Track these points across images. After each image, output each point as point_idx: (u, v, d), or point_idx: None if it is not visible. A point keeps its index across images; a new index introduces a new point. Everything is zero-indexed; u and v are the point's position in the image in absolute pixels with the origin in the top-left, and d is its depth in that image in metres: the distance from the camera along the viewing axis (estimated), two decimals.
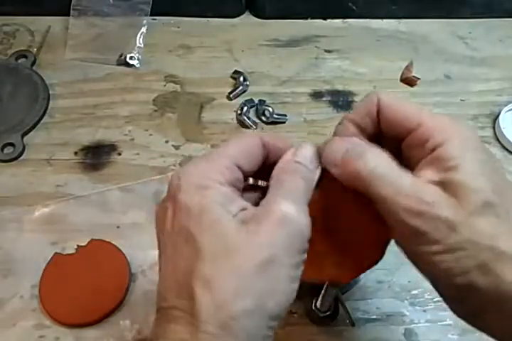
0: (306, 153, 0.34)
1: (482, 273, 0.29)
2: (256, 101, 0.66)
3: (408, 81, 0.68)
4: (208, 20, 0.74)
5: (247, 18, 0.74)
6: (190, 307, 0.28)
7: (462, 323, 0.52)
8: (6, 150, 0.62)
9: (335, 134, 0.37)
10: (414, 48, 0.72)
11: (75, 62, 0.70)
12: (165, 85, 0.68)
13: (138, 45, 0.70)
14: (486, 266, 0.29)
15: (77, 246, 0.54)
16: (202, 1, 0.72)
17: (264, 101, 0.66)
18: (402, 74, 0.69)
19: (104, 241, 0.54)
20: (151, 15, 0.71)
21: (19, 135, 0.63)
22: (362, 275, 0.53)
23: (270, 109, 0.64)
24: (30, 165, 0.62)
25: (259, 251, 0.28)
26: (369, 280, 0.54)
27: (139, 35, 0.70)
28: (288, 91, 0.67)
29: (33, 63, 0.69)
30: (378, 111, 0.35)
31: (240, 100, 0.66)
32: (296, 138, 0.63)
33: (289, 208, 0.30)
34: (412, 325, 0.52)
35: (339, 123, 0.37)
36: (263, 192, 0.33)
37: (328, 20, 0.74)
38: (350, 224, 0.35)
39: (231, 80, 0.68)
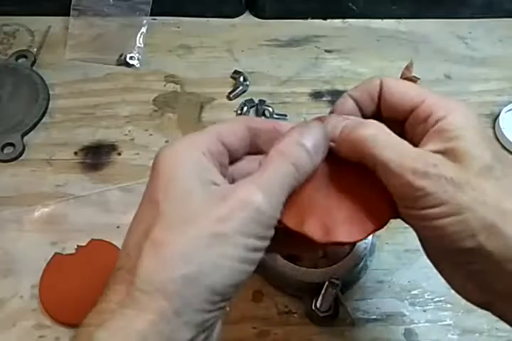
0: (315, 135, 0.33)
1: (490, 234, 0.29)
2: (256, 101, 0.66)
3: (408, 81, 0.68)
4: (208, 20, 0.74)
5: (247, 18, 0.74)
6: (134, 266, 0.28)
7: (462, 323, 0.52)
8: (6, 150, 0.62)
9: (334, 108, 0.37)
10: (414, 48, 0.72)
11: (75, 62, 0.69)
12: (165, 85, 0.68)
13: (138, 45, 0.70)
14: (494, 226, 0.29)
15: (77, 246, 0.54)
16: (202, 1, 0.72)
17: (264, 101, 0.66)
18: (402, 74, 0.68)
19: (104, 241, 0.54)
20: (151, 15, 0.71)
21: (19, 135, 0.63)
22: (362, 275, 0.53)
23: (270, 109, 0.64)
24: (30, 165, 0.62)
25: (212, 224, 0.28)
26: (369, 280, 0.54)
27: (139, 35, 0.70)
28: (288, 91, 0.67)
29: (33, 63, 0.69)
30: (380, 94, 0.35)
31: (240, 100, 0.66)
32: None
33: (257, 197, 0.29)
34: (412, 325, 0.52)
35: (340, 98, 0.37)
36: None
37: (328, 20, 0.74)
38: (359, 185, 0.35)
39: (231, 80, 0.68)
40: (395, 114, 0.35)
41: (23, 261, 0.54)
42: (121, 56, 0.69)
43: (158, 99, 0.67)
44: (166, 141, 0.63)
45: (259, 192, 0.29)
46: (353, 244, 0.34)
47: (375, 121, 0.33)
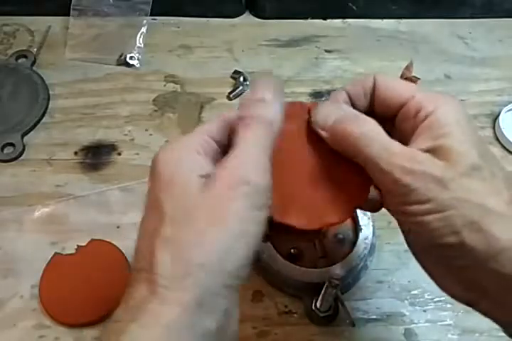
0: (266, 87, 0.33)
1: (473, 231, 0.30)
2: None
3: (408, 81, 0.68)
4: (208, 20, 0.74)
5: (247, 18, 0.74)
6: (150, 265, 0.29)
7: (462, 323, 0.52)
8: (6, 150, 0.62)
9: (328, 99, 0.38)
10: (414, 48, 0.72)
11: (75, 62, 0.70)
12: (165, 85, 0.68)
13: (138, 45, 0.70)
14: (477, 223, 0.30)
15: (77, 246, 0.54)
16: (202, 1, 0.72)
17: None
18: (402, 74, 0.69)
19: (104, 241, 0.54)
20: (151, 15, 0.71)
21: (19, 135, 0.63)
22: (362, 275, 0.53)
23: None
24: (30, 165, 0.62)
25: (212, 210, 0.29)
26: (369, 280, 0.54)
27: (139, 35, 0.70)
28: (288, 91, 0.67)
29: (33, 63, 0.69)
30: (373, 90, 0.36)
31: (240, 100, 0.66)
32: None
33: (248, 169, 0.30)
34: (412, 325, 0.52)
35: (336, 90, 0.38)
36: None
37: (328, 20, 0.74)
38: (336, 167, 0.35)
39: (231, 80, 0.68)
40: (386, 110, 0.36)
41: (23, 261, 0.54)
42: (121, 56, 0.69)
43: (158, 99, 0.67)
44: (166, 141, 0.63)
45: (250, 166, 0.30)
46: (338, 223, 0.34)
47: (368, 118, 0.34)
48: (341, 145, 0.34)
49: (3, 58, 0.69)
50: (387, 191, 0.33)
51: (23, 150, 0.62)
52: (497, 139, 0.64)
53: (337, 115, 0.35)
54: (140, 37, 0.70)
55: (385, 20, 0.74)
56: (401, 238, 0.56)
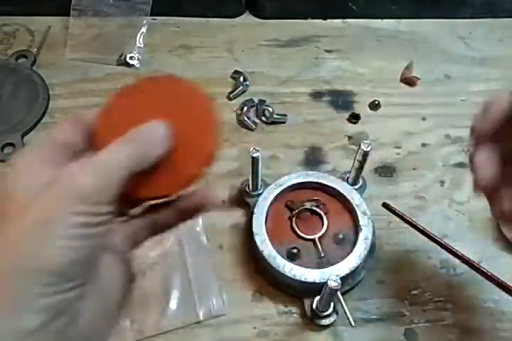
0: (155, 131, 0.34)
1: None
2: (256, 101, 0.66)
3: (408, 81, 0.68)
4: (208, 20, 0.74)
5: (247, 18, 0.74)
6: None
7: (462, 323, 0.52)
8: (6, 150, 0.62)
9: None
10: (414, 48, 0.72)
11: (75, 62, 0.69)
12: None
13: (138, 45, 0.70)
14: None
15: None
16: (202, 1, 0.72)
17: (264, 101, 0.66)
18: (402, 74, 0.69)
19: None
20: (151, 15, 0.71)
21: (19, 135, 0.63)
22: (362, 275, 0.53)
23: (270, 109, 0.64)
24: None
25: (37, 211, 0.29)
26: (369, 280, 0.54)
27: (139, 35, 0.70)
28: (288, 91, 0.67)
29: (33, 63, 0.69)
30: None
31: (240, 100, 0.66)
32: (296, 139, 0.63)
33: (81, 177, 0.30)
34: (412, 325, 0.52)
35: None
36: None
37: (328, 20, 0.74)
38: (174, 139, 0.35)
39: (231, 80, 0.68)
40: None
41: None
42: (121, 56, 0.69)
43: None
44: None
45: (80, 171, 0.30)
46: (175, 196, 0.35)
47: None
48: None
49: (3, 58, 0.69)
50: None
51: None
52: None
53: None
54: (140, 37, 0.70)
55: (385, 20, 0.74)
56: (401, 238, 0.57)
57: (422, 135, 0.64)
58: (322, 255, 0.53)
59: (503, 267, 0.53)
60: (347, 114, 0.65)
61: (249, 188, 0.57)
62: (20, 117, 0.64)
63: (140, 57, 0.69)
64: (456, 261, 0.49)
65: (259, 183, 0.56)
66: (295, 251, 0.52)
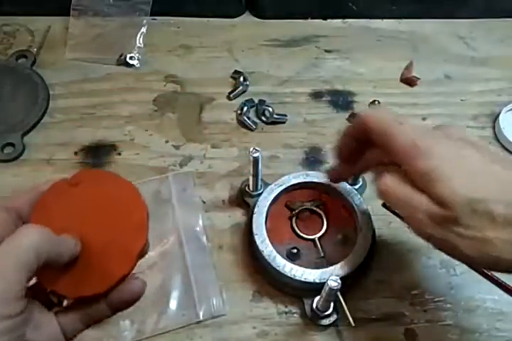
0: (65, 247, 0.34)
1: None
2: (256, 101, 0.66)
3: (408, 81, 0.68)
4: (208, 20, 0.74)
5: (247, 18, 0.74)
6: None
7: (462, 323, 0.52)
8: (6, 150, 0.62)
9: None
10: (414, 48, 0.72)
11: (75, 62, 0.69)
12: (165, 85, 0.68)
13: (138, 45, 0.70)
14: None
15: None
16: (202, 1, 0.72)
17: (264, 101, 0.66)
18: (402, 74, 0.69)
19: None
20: (151, 15, 0.71)
21: (19, 135, 0.63)
22: (362, 275, 0.53)
23: (270, 109, 0.64)
24: (30, 165, 0.62)
25: None
26: (369, 280, 0.54)
27: (139, 35, 0.70)
28: (288, 91, 0.67)
29: (33, 63, 0.69)
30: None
31: (240, 100, 0.66)
32: (296, 139, 0.63)
33: None
34: (412, 325, 0.52)
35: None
36: None
37: (328, 20, 0.74)
38: (101, 238, 0.36)
39: (231, 80, 0.68)
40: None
41: None
42: (121, 56, 0.69)
43: (158, 99, 0.67)
44: (166, 141, 0.63)
45: None
46: (104, 294, 0.36)
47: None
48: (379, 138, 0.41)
49: (3, 58, 0.69)
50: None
51: (23, 150, 0.62)
52: (497, 139, 0.64)
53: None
54: (140, 37, 0.70)
55: (385, 20, 0.74)
56: (401, 238, 0.57)
57: None
58: (322, 255, 0.53)
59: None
60: (347, 114, 0.65)
61: (249, 188, 0.57)
62: (20, 117, 0.64)
63: (140, 57, 0.69)
64: (456, 261, 0.49)
65: (259, 183, 0.56)
66: (295, 251, 0.52)
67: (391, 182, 0.40)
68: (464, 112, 0.66)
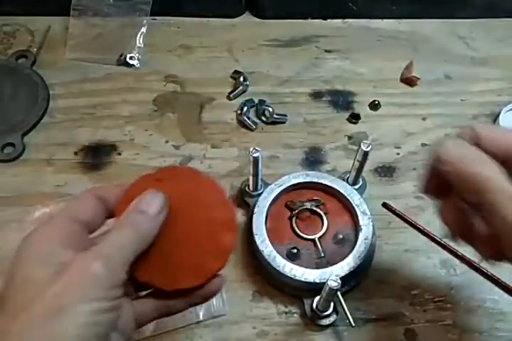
0: (152, 200, 0.35)
1: None
2: (256, 101, 0.66)
3: (408, 81, 0.68)
4: (208, 20, 0.74)
5: (247, 18, 0.74)
6: None
7: (462, 323, 0.52)
8: (6, 150, 0.62)
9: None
10: (414, 48, 0.72)
11: (75, 62, 0.69)
12: (165, 85, 0.68)
13: (138, 45, 0.70)
14: None
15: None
16: (202, 1, 0.72)
17: (264, 101, 0.66)
18: (402, 74, 0.69)
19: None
20: (151, 15, 0.71)
21: (19, 135, 0.63)
22: (362, 275, 0.53)
23: (270, 109, 0.64)
24: (30, 165, 0.62)
25: (49, 302, 0.29)
26: (369, 280, 0.54)
27: (139, 35, 0.70)
28: (288, 91, 0.67)
29: (33, 63, 0.69)
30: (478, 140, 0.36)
31: (240, 100, 0.66)
32: (296, 139, 0.63)
33: (93, 264, 0.31)
34: (412, 325, 0.52)
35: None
36: None
37: (328, 20, 0.74)
38: (191, 232, 0.37)
39: (231, 80, 0.68)
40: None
41: None
42: (121, 56, 0.69)
43: (158, 99, 0.67)
44: (166, 141, 0.63)
45: (95, 260, 0.31)
46: (199, 287, 0.37)
47: (492, 163, 0.35)
48: (463, 185, 0.35)
49: (3, 58, 0.69)
50: (504, 234, 0.34)
51: (23, 150, 0.62)
52: None
53: (463, 153, 0.36)
54: (140, 37, 0.70)
55: (385, 20, 0.74)
56: (401, 238, 0.57)
57: (422, 135, 0.64)
58: (322, 255, 0.53)
59: (503, 267, 0.53)
60: (347, 114, 0.65)
61: (249, 188, 0.57)
62: (20, 117, 0.64)
63: (140, 57, 0.69)
64: (456, 261, 0.49)
65: (259, 183, 0.56)
66: (295, 251, 0.52)
67: None
68: (464, 112, 0.66)
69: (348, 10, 0.73)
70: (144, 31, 0.70)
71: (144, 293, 0.38)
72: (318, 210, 0.55)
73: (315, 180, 0.56)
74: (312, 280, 0.50)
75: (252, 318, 0.52)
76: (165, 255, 0.36)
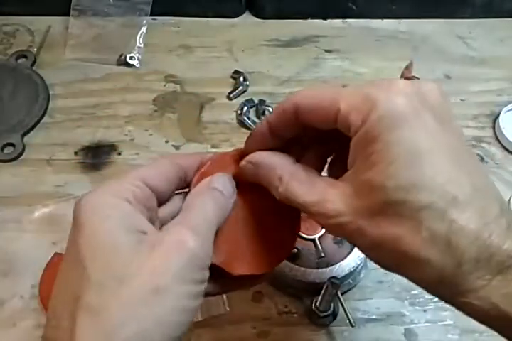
0: (224, 180, 0.34)
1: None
2: (256, 101, 0.66)
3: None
4: (208, 20, 0.74)
5: (247, 18, 0.74)
6: (70, 340, 0.26)
7: (462, 323, 0.52)
8: (6, 150, 0.62)
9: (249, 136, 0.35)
10: (414, 48, 0.72)
11: (75, 62, 0.69)
12: (165, 85, 0.68)
13: (138, 45, 0.70)
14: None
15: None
16: (202, 1, 0.72)
17: (264, 101, 0.66)
18: (402, 74, 0.69)
19: None
20: (151, 15, 0.71)
21: (19, 135, 0.63)
22: (362, 275, 0.53)
23: (270, 109, 0.64)
24: (30, 165, 0.62)
25: (147, 279, 0.27)
26: (369, 280, 0.54)
27: (139, 35, 0.70)
28: (288, 91, 0.67)
29: (33, 63, 0.69)
30: (297, 115, 0.31)
31: (240, 100, 0.66)
32: None
33: (190, 239, 0.28)
34: (412, 325, 0.52)
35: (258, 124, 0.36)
36: None
37: (328, 20, 0.74)
38: (267, 223, 0.36)
39: (231, 80, 0.68)
40: (323, 135, 0.32)
41: (23, 261, 0.54)
42: (121, 56, 0.69)
43: (158, 99, 0.67)
44: (166, 141, 0.63)
45: (191, 234, 0.28)
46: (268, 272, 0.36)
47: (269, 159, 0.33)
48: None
49: (3, 58, 0.69)
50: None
51: (23, 150, 0.62)
52: (497, 139, 0.64)
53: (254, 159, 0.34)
54: (140, 37, 0.70)
55: (385, 20, 0.74)
56: None
57: None
58: (322, 255, 0.53)
59: None
60: None
61: None
62: (20, 117, 0.64)
63: (140, 57, 0.69)
64: None
65: None
66: (295, 251, 0.52)
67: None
68: (464, 112, 0.66)
69: (348, 10, 0.73)
70: (144, 31, 0.71)
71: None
72: None
73: None
74: (312, 280, 0.50)
75: (252, 318, 0.52)
76: (233, 238, 0.35)
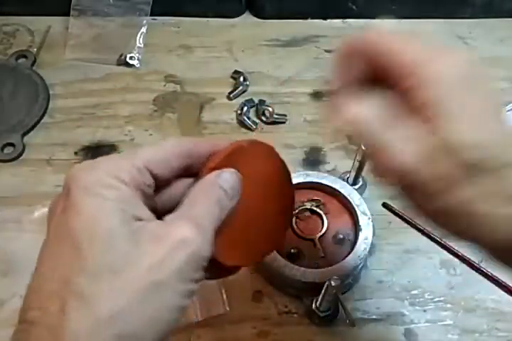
0: (230, 179, 0.32)
1: None
2: (256, 101, 0.66)
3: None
4: (208, 20, 0.74)
5: (247, 18, 0.74)
6: (59, 326, 0.25)
7: (462, 323, 0.52)
8: (6, 150, 0.62)
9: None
10: None
11: (75, 62, 0.69)
12: (165, 85, 0.68)
13: (138, 45, 0.70)
14: None
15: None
16: (202, 1, 0.72)
17: (264, 101, 0.65)
18: None
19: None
20: (151, 15, 0.71)
21: (19, 135, 0.63)
22: (362, 275, 0.53)
23: (270, 109, 0.64)
24: (30, 165, 0.62)
25: (146, 273, 0.26)
26: (369, 280, 0.54)
27: (139, 35, 0.70)
28: (288, 91, 0.67)
29: (33, 63, 0.69)
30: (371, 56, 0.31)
31: (240, 100, 0.66)
32: (296, 139, 0.63)
33: (195, 236, 0.27)
34: (412, 325, 0.52)
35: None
36: None
37: (328, 20, 0.74)
38: (261, 217, 0.37)
39: (231, 80, 0.68)
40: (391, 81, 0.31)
41: (22, 261, 0.54)
42: (121, 56, 0.69)
43: (158, 99, 0.67)
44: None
45: (197, 233, 0.28)
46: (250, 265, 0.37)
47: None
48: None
49: (3, 58, 0.69)
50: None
51: (23, 150, 0.62)
52: None
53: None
54: (140, 37, 0.70)
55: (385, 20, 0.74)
56: (401, 238, 0.57)
57: None
58: (322, 255, 0.53)
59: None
60: None
61: None
62: (20, 117, 0.64)
63: (140, 57, 0.69)
64: (456, 261, 0.49)
65: None
66: (295, 251, 0.52)
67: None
68: None
69: (348, 10, 0.73)
70: (144, 31, 0.70)
71: None
72: (318, 210, 0.55)
73: (315, 180, 0.56)
74: (312, 280, 0.50)
75: (252, 318, 0.52)
76: (227, 230, 0.34)
